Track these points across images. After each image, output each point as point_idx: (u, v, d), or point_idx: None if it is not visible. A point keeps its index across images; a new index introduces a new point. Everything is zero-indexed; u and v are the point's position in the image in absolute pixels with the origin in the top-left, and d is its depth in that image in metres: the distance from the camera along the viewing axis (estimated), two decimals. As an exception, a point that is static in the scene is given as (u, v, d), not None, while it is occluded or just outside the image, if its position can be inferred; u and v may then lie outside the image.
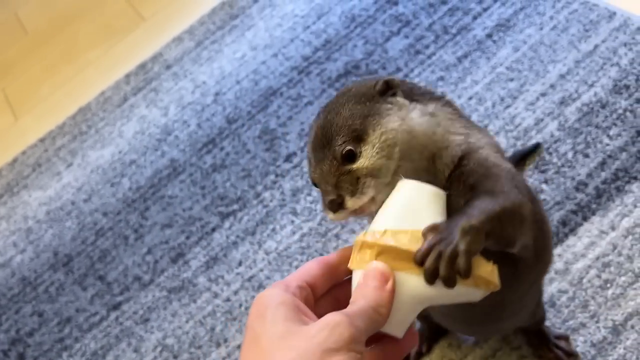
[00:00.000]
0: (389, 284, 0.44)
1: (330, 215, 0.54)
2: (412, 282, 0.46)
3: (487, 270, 0.48)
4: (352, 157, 0.53)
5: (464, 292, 0.47)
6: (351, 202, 0.52)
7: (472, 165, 0.54)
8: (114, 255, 1.23)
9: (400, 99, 0.55)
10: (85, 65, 1.66)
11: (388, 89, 0.55)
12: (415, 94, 0.57)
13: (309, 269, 0.49)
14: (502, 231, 0.51)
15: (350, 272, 0.49)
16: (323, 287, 0.49)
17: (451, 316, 0.73)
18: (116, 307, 1.16)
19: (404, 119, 0.54)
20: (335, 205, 0.53)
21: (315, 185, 0.56)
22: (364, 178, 0.52)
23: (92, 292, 1.20)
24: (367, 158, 0.52)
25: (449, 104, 0.59)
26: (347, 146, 0.53)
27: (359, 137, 0.53)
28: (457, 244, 0.46)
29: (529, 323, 0.83)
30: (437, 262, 0.45)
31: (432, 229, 0.47)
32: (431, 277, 0.45)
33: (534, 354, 0.88)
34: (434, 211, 0.49)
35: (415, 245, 0.46)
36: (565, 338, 0.86)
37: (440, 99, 0.58)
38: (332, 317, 0.41)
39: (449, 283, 0.45)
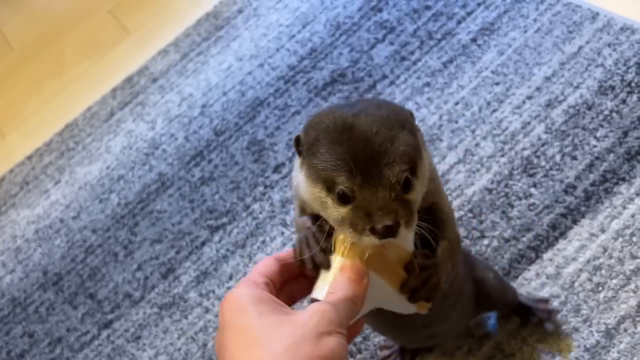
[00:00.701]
0: (365, 280, 0.50)
1: (371, 240, 0.50)
2: (381, 286, 0.53)
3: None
4: (410, 186, 0.51)
5: (407, 306, 0.57)
6: (403, 233, 0.50)
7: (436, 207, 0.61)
8: (104, 273, 1.22)
9: (419, 133, 0.56)
10: (72, 81, 1.65)
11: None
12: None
13: (268, 265, 0.52)
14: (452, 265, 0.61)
15: (300, 271, 0.54)
16: (279, 283, 0.52)
17: (383, 324, 0.77)
18: (107, 325, 1.15)
19: (425, 156, 0.56)
20: (389, 232, 0.49)
21: (344, 197, 0.51)
22: (415, 211, 0.52)
23: (82, 310, 1.19)
24: (418, 193, 0.53)
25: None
26: (408, 174, 0.51)
27: (413, 169, 0.51)
28: (440, 277, 0.57)
29: (500, 307, 0.86)
30: (422, 284, 0.55)
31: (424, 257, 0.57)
32: (416, 297, 0.56)
33: (524, 324, 0.90)
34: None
35: (398, 261, 0.55)
36: (545, 300, 0.90)
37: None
38: (320, 306, 0.45)
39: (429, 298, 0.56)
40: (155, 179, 1.32)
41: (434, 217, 0.58)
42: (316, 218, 0.57)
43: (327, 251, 0.54)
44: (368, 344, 0.95)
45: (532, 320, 0.88)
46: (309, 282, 0.54)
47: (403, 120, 0.52)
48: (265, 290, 0.48)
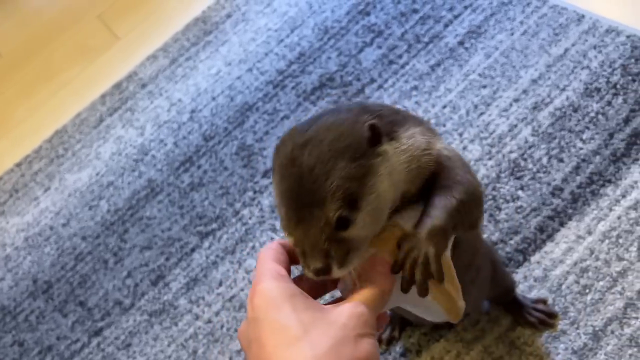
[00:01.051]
0: (393, 275, 0.50)
1: (310, 275, 0.51)
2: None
3: (455, 286, 0.54)
4: (345, 224, 0.50)
5: (430, 306, 0.53)
6: (337, 272, 0.50)
7: (442, 166, 0.56)
8: (94, 280, 1.22)
9: (386, 147, 0.52)
10: (61, 87, 1.65)
11: (373, 134, 0.52)
12: (391, 130, 0.55)
13: (279, 253, 0.51)
14: (464, 219, 0.55)
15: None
16: (289, 271, 0.52)
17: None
18: (97, 333, 1.15)
19: (391, 174, 0.52)
20: (322, 272, 0.50)
21: (290, 237, 0.52)
22: (354, 249, 0.50)
23: (72, 318, 1.18)
24: (360, 227, 0.50)
25: (412, 119, 0.58)
26: (343, 212, 0.49)
27: (353, 202, 0.49)
28: (427, 250, 0.51)
29: (496, 293, 0.87)
30: (413, 269, 0.50)
31: (404, 238, 0.51)
32: (407, 285, 0.51)
33: (516, 322, 0.90)
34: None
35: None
36: (543, 301, 0.90)
37: (408, 122, 0.57)
38: (356, 309, 0.45)
39: (422, 292, 0.51)
40: (145, 185, 1.31)
41: (440, 177, 0.55)
42: None
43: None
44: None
45: (530, 321, 0.88)
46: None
47: (346, 146, 0.50)
48: (291, 282, 0.48)
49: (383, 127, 0.53)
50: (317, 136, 0.50)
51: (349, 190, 0.49)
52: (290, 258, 0.52)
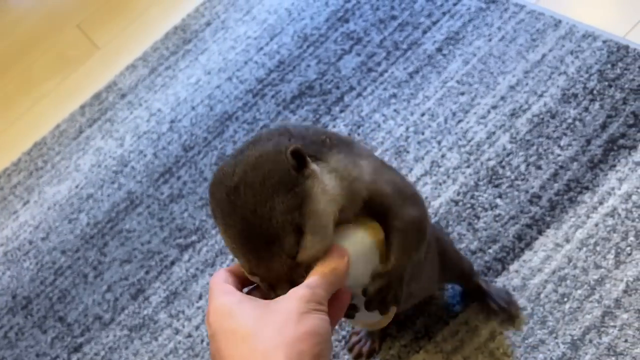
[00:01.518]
0: (346, 258, 0.54)
1: None
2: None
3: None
4: (298, 250, 0.53)
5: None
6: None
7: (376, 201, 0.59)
8: (74, 295, 1.21)
9: (313, 167, 0.54)
10: (40, 98, 1.63)
11: (298, 159, 0.53)
12: (318, 151, 0.57)
13: (226, 276, 0.55)
14: (412, 254, 0.61)
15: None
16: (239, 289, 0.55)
17: None
18: (77, 349, 1.13)
19: (325, 191, 0.54)
20: None
21: (253, 276, 0.55)
22: (310, 265, 0.53)
23: (52, 334, 1.17)
24: (310, 247, 0.53)
25: (339, 144, 0.60)
26: (294, 241, 0.52)
27: (299, 229, 0.52)
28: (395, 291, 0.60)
29: (452, 276, 0.88)
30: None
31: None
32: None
33: (479, 309, 0.91)
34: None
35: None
36: (506, 291, 0.92)
37: (336, 147, 0.59)
38: (297, 291, 0.48)
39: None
40: (124, 197, 1.30)
41: (376, 210, 0.59)
42: None
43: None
44: (338, 331, 0.95)
45: (492, 307, 0.90)
46: None
47: (276, 182, 0.52)
48: (240, 294, 0.51)
49: (307, 148, 0.55)
50: (246, 177, 0.52)
51: (293, 221, 0.52)
52: (239, 279, 0.56)
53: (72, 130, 1.49)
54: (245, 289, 0.56)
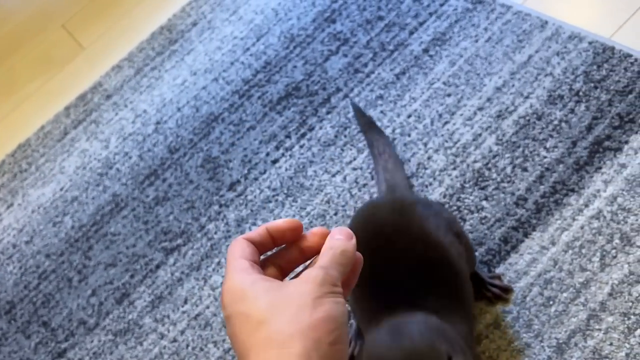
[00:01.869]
0: (354, 239, 0.51)
1: None
2: None
3: None
4: None
5: None
6: None
7: None
8: (58, 300, 1.19)
9: None
10: (24, 99, 1.61)
11: None
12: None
13: (244, 248, 0.51)
14: None
15: (275, 244, 0.53)
16: (259, 262, 0.52)
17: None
18: (61, 354, 1.12)
19: None
20: None
21: None
22: None
23: (36, 340, 1.16)
24: None
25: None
26: None
27: None
28: None
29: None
30: None
31: None
32: None
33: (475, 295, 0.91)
34: None
35: None
36: (498, 276, 0.93)
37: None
38: (310, 272, 0.46)
39: None
40: (109, 200, 1.29)
41: None
42: None
43: None
44: None
45: (487, 295, 0.91)
46: (296, 251, 0.53)
47: None
48: (255, 272, 0.49)
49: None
50: None
51: None
52: (258, 248, 0.52)
53: (57, 132, 1.47)
54: (263, 257, 0.54)
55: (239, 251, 0.51)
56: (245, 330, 0.44)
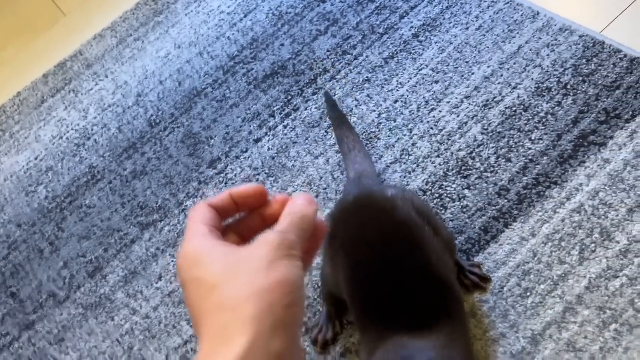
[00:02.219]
0: (315, 205, 0.50)
1: None
2: None
3: None
4: None
5: None
6: None
7: None
8: (28, 271, 1.16)
9: None
10: (1, 64, 1.56)
11: None
12: None
13: (205, 213, 0.49)
14: None
15: (237, 210, 0.51)
16: (221, 228, 0.50)
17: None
18: (29, 326, 1.10)
19: None
20: None
21: None
22: None
23: (3, 311, 1.13)
24: None
25: None
26: None
27: None
28: None
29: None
30: None
31: None
32: None
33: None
34: None
35: None
36: (478, 265, 0.92)
37: None
38: (267, 236, 0.45)
39: None
40: (86, 172, 1.26)
41: None
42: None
43: None
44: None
45: (466, 283, 0.91)
46: (258, 218, 0.52)
47: None
48: (215, 238, 0.47)
49: None
50: None
51: None
52: (221, 214, 0.51)
53: (34, 100, 1.43)
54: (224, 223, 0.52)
55: (199, 216, 0.49)
56: (199, 295, 0.43)
